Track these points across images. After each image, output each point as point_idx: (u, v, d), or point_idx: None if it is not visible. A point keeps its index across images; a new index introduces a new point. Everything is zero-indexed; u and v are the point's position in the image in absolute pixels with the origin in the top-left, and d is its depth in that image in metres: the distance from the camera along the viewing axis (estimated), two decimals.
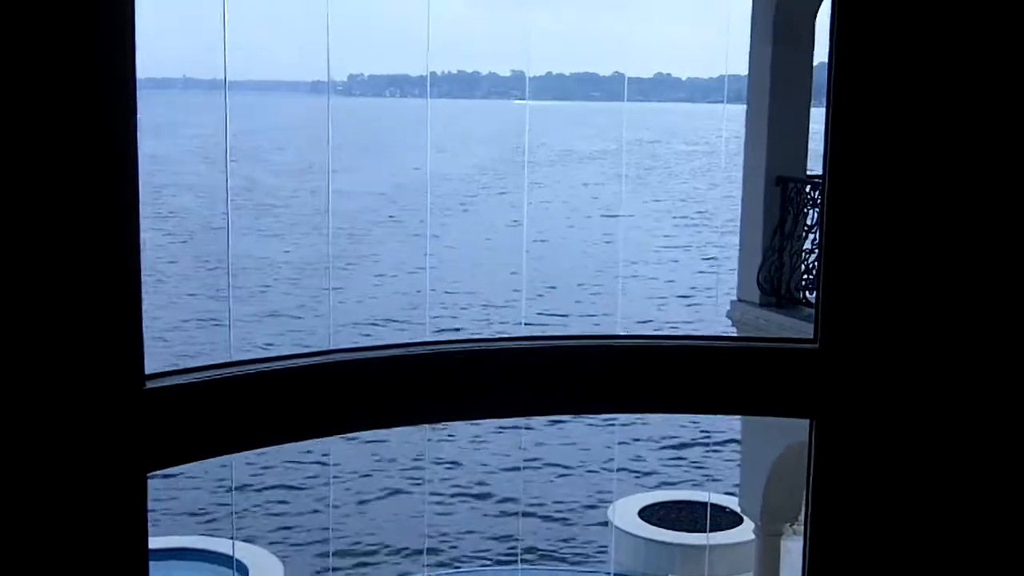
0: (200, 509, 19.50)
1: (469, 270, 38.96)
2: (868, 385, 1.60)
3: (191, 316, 31.28)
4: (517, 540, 18.28)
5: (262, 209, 47.32)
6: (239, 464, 19.75)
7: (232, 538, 14.52)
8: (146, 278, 1.44)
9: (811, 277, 9.93)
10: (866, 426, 1.60)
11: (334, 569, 16.47)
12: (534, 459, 22.09)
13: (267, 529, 18.49)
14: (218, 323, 29.68)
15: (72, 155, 1.34)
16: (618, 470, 20.96)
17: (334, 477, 20.13)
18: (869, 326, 1.58)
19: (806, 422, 1.66)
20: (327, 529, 18.01)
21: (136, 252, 1.39)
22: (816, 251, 9.38)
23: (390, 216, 47.69)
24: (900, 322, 1.58)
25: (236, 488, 19.08)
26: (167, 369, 1.50)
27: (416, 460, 21.22)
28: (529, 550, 18.37)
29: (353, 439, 21.01)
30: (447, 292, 35.39)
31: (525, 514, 19.38)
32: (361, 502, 20.21)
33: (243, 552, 14.52)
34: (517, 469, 20.90)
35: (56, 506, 1.37)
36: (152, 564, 1.42)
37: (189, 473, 19.42)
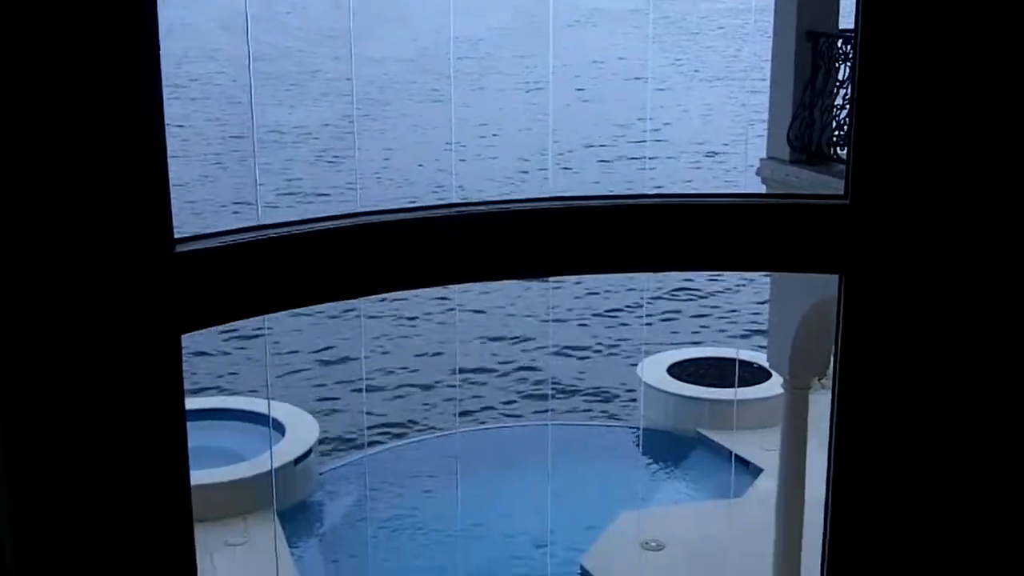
0: (232, 373, 19.84)
1: (494, 133, 38.70)
2: (898, 241, 1.59)
3: (216, 183, 31.32)
4: (545, 395, 18.53)
5: (285, 76, 46.91)
6: (271, 327, 20.02)
7: (267, 397, 14.76)
8: (171, 146, 1.43)
9: (842, 133, 9.80)
10: (896, 282, 1.60)
11: (369, 442, 16.72)
12: (561, 318, 22.23)
13: (300, 392, 18.80)
14: (243, 195, 29.71)
15: (93, 23, 1.32)
16: (646, 328, 21.13)
17: (369, 338, 20.36)
18: (900, 182, 1.57)
19: (835, 277, 1.66)
20: (360, 390, 18.30)
21: (160, 117, 1.39)
22: (847, 107, 9.24)
23: (414, 81, 47.21)
24: (931, 178, 1.56)
25: (271, 348, 19.36)
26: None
27: (443, 324, 21.41)
28: (557, 396, 18.67)
29: (381, 302, 21.21)
30: (473, 154, 35.24)
31: (554, 381, 19.59)
32: (390, 371, 20.46)
33: (279, 411, 14.75)
34: (545, 322, 21.04)
35: (93, 368, 1.39)
36: (189, 424, 1.46)
37: (221, 336, 19.73)
